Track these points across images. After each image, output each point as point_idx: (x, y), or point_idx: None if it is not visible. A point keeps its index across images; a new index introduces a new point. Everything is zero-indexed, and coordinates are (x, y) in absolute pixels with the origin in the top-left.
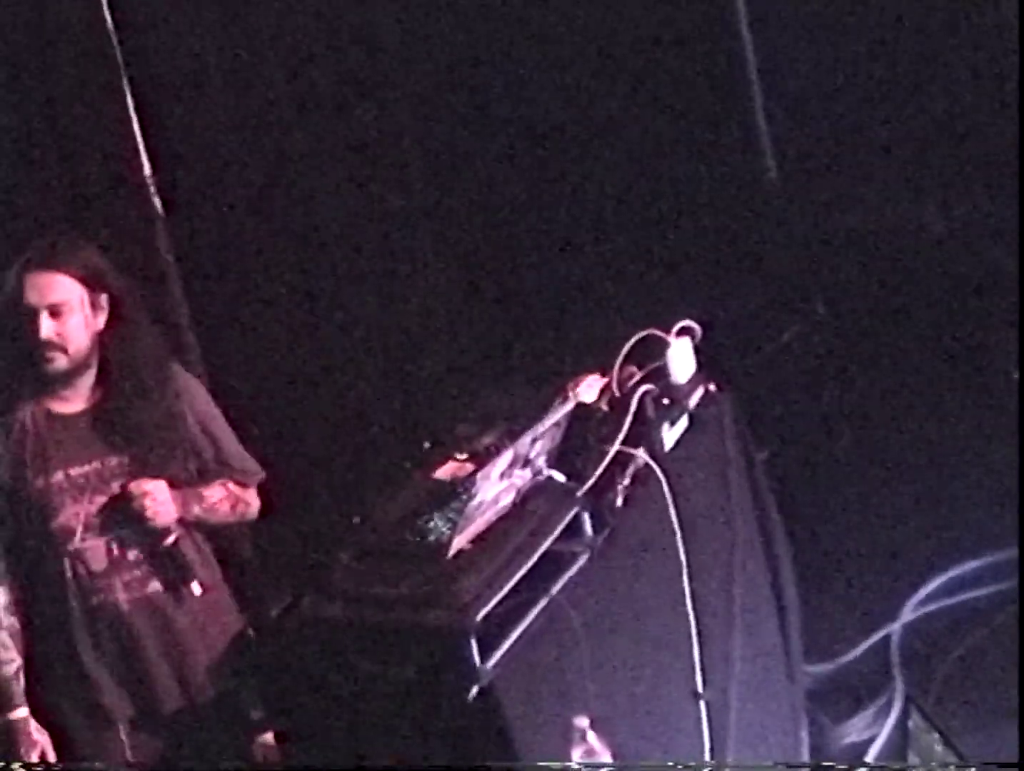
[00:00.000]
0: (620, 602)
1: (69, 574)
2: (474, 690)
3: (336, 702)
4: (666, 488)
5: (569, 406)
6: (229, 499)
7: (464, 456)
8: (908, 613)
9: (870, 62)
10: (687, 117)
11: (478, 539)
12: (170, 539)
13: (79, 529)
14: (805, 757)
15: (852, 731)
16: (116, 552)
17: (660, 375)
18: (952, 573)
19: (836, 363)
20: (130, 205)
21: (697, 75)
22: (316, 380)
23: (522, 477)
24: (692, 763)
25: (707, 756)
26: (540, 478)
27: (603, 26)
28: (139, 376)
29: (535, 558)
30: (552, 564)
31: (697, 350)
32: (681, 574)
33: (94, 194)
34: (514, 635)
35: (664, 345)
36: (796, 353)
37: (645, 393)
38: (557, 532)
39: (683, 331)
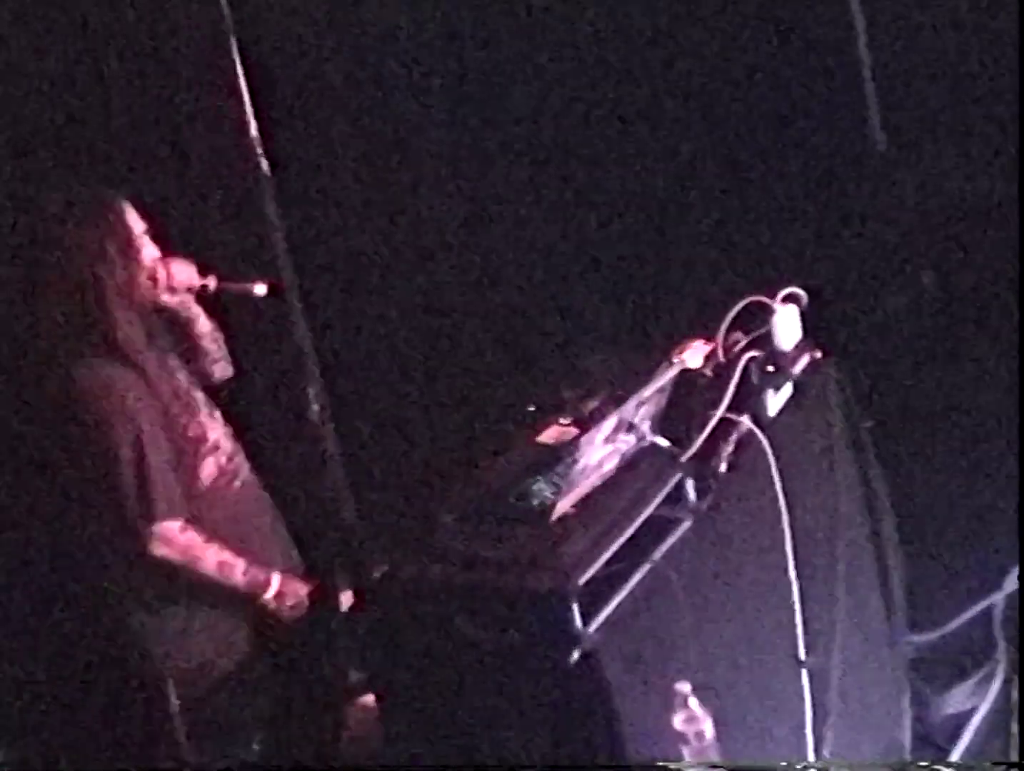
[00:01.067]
0: (723, 568)
1: (215, 470)
2: (576, 654)
3: (437, 665)
4: (770, 455)
5: (674, 371)
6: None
7: (568, 420)
8: (1012, 583)
9: (978, 33)
10: (799, 86)
11: (581, 503)
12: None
13: (208, 421)
14: (907, 726)
15: (954, 701)
16: (231, 430)
17: (765, 342)
18: None
19: (942, 334)
20: (237, 165)
21: (808, 46)
22: (422, 343)
23: (626, 442)
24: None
25: (808, 724)
26: (644, 443)
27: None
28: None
29: (638, 523)
30: (655, 529)
31: (803, 317)
32: (784, 541)
33: (202, 154)
34: (616, 600)
35: (770, 311)
36: (902, 322)
37: (750, 359)
38: (660, 497)
39: (789, 298)
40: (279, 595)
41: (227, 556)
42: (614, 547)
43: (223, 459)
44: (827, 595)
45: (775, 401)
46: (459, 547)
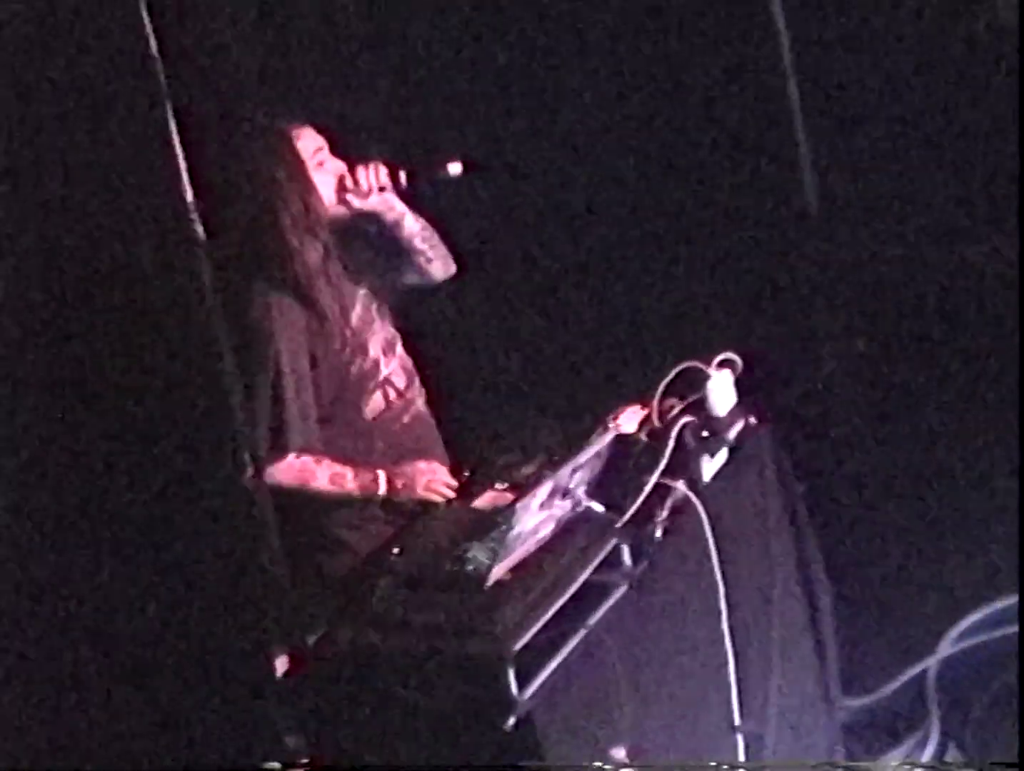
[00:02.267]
0: (658, 634)
1: (383, 404)
2: (511, 720)
3: (373, 730)
4: (705, 520)
5: (609, 437)
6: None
7: (504, 486)
8: (946, 647)
9: (914, 97)
10: (729, 150)
11: (517, 569)
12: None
13: (381, 357)
14: None
15: (888, 766)
16: (407, 365)
17: (700, 407)
18: (990, 609)
19: (876, 398)
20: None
21: (739, 109)
22: None
23: (562, 507)
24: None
25: None
26: (579, 509)
27: (645, 60)
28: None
29: (574, 589)
30: (591, 595)
31: (738, 382)
32: (719, 606)
33: (137, 219)
34: (552, 666)
35: (705, 377)
36: (837, 387)
37: (685, 425)
38: (596, 563)
39: (724, 363)
40: (390, 485)
41: (337, 467)
42: (550, 613)
43: (392, 394)
44: (762, 660)
45: (710, 466)
46: (395, 612)
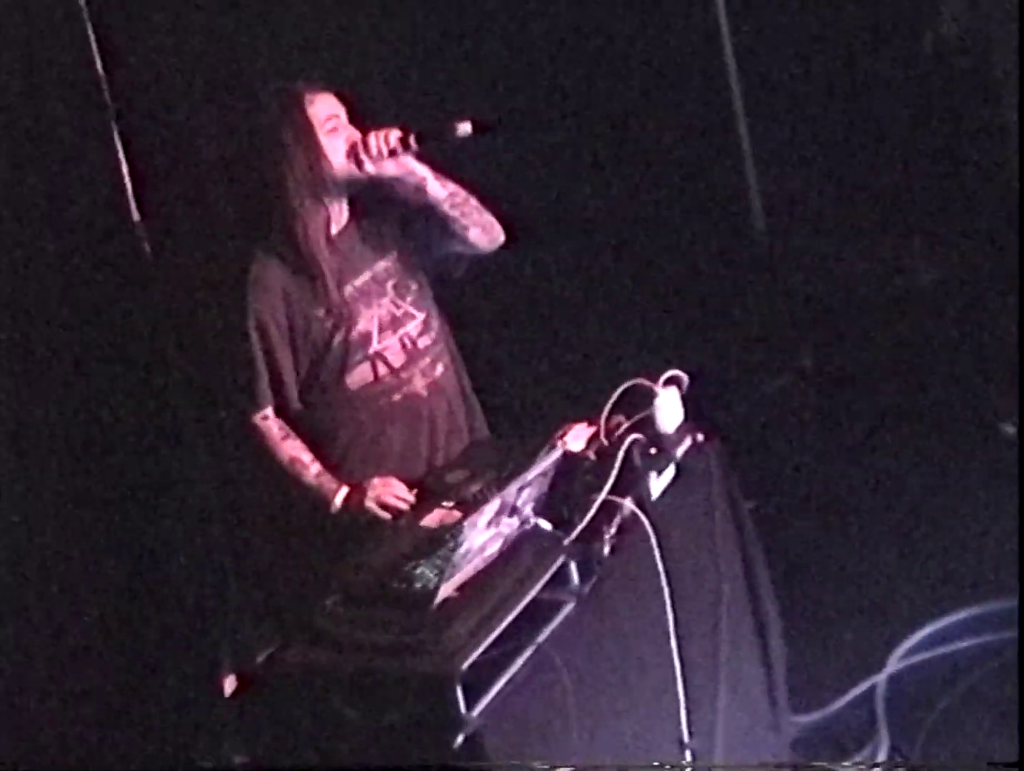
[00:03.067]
0: (606, 651)
1: (371, 377)
2: (460, 738)
3: (320, 749)
4: (653, 537)
5: (557, 455)
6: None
7: (451, 504)
8: (894, 664)
9: (859, 115)
10: (677, 169)
11: (465, 587)
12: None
13: (375, 332)
14: None
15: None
16: (410, 345)
17: (647, 424)
18: (938, 625)
19: (823, 414)
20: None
21: (687, 128)
22: None
23: (509, 525)
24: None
25: None
26: (527, 526)
27: (594, 79)
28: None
29: (522, 606)
30: (539, 612)
31: (684, 400)
32: (667, 623)
33: (83, 239)
34: (500, 683)
35: (652, 395)
36: (783, 404)
37: (632, 442)
38: (544, 580)
39: (671, 381)
40: (347, 501)
41: (303, 455)
42: (498, 631)
43: (383, 370)
44: (710, 677)
45: (658, 484)
46: (342, 631)
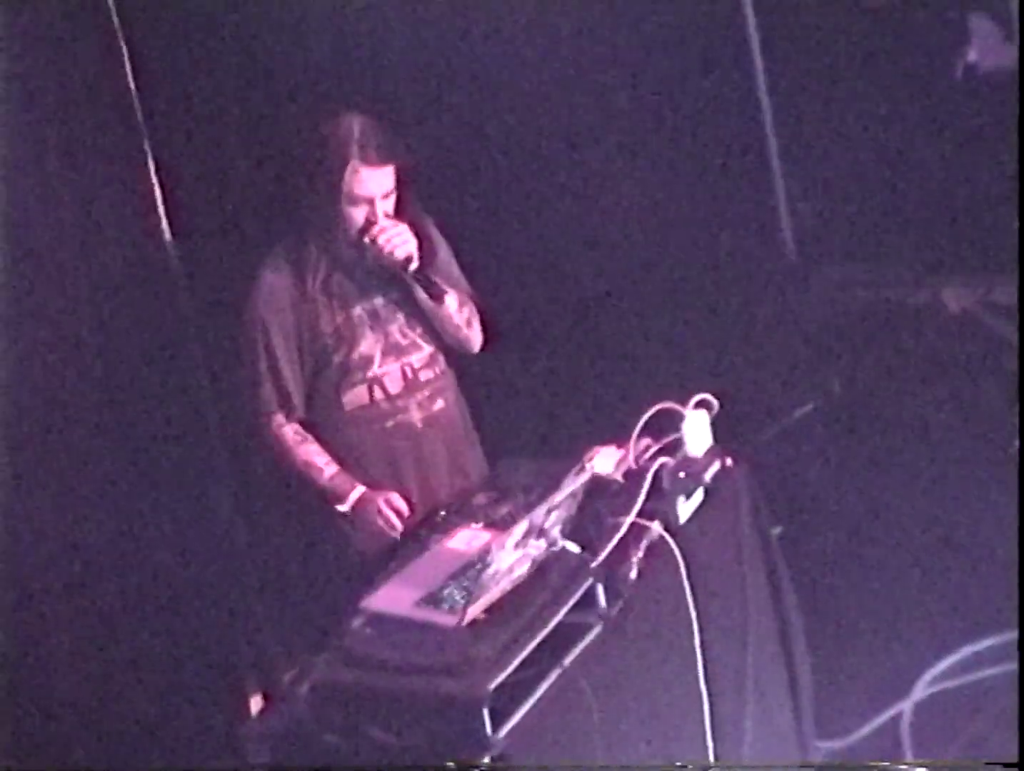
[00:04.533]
0: (633, 674)
1: (366, 400)
2: (486, 760)
3: (346, 769)
4: (680, 561)
5: (585, 477)
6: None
7: (480, 525)
8: (920, 690)
9: (889, 143)
10: (711, 195)
11: (492, 609)
12: (414, 265)
13: (378, 356)
14: None
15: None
16: (410, 375)
17: (676, 448)
18: (966, 652)
19: (851, 440)
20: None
21: (720, 156)
22: None
23: (537, 547)
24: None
25: None
26: (555, 549)
27: (630, 105)
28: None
29: (549, 629)
30: (566, 635)
31: (713, 424)
32: (694, 647)
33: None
34: (527, 706)
35: (680, 418)
36: (812, 429)
37: (661, 466)
38: (571, 603)
39: (700, 404)
40: (358, 503)
41: (317, 458)
42: (525, 653)
43: (379, 394)
44: (736, 701)
45: (686, 507)
46: (369, 651)
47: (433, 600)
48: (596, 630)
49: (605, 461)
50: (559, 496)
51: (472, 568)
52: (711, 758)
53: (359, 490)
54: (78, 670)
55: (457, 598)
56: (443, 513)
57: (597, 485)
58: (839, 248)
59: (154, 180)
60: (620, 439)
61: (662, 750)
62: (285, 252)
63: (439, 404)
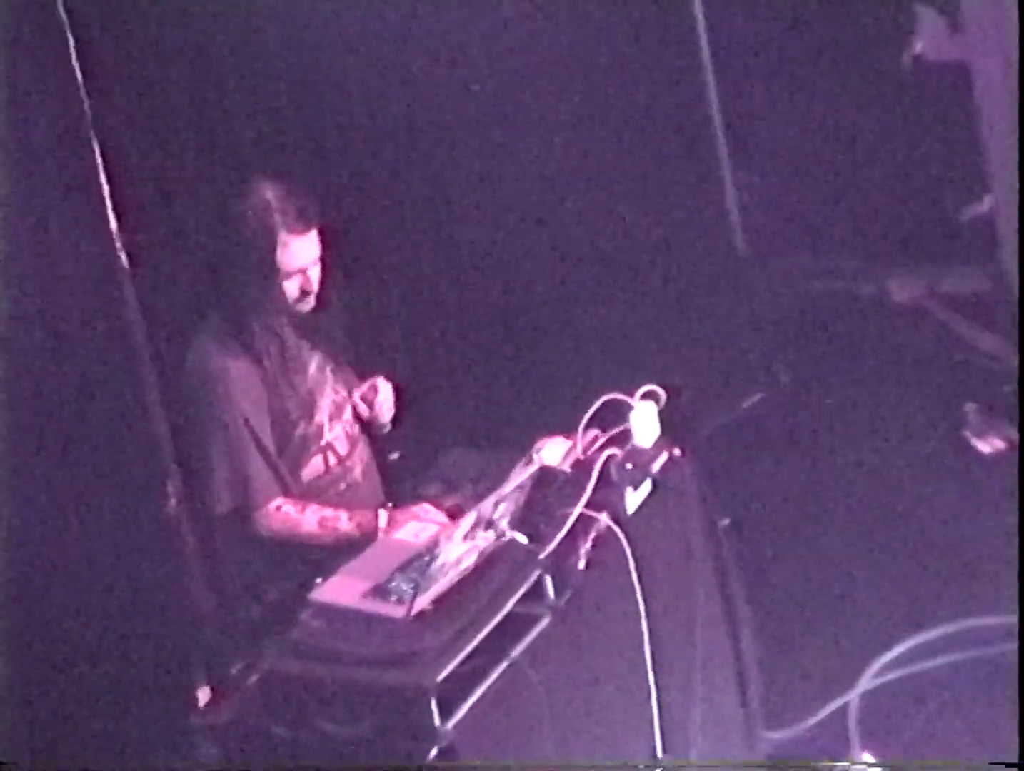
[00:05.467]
0: (581, 665)
1: (322, 469)
2: (434, 751)
3: (296, 761)
4: (628, 552)
5: (533, 469)
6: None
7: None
8: (866, 682)
9: (837, 138)
10: (660, 188)
11: (440, 600)
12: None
13: (327, 423)
14: None
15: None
16: (351, 431)
17: (624, 439)
18: (911, 643)
19: (799, 431)
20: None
21: (668, 149)
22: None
23: (485, 539)
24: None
25: None
26: (503, 540)
27: (581, 103)
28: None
29: (497, 620)
30: (514, 626)
31: (661, 415)
32: (642, 637)
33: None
34: (475, 696)
35: (628, 409)
36: (760, 420)
37: (609, 457)
38: (519, 594)
39: (647, 395)
40: (390, 523)
41: (327, 512)
42: (473, 644)
43: (333, 460)
44: (684, 691)
45: (634, 498)
46: (318, 643)
47: (381, 592)
48: (544, 621)
49: (553, 452)
50: (507, 487)
51: (420, 559)
52: (659, 749)
53: (383, 514)
54: (20, 663)
55: (405, 589)
56: (390, 505)
57: (545, 476)
58: (787, 240)
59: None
60: (568, 430)
61: (610, 740)
62: (230, 333)
63: (367, 452)
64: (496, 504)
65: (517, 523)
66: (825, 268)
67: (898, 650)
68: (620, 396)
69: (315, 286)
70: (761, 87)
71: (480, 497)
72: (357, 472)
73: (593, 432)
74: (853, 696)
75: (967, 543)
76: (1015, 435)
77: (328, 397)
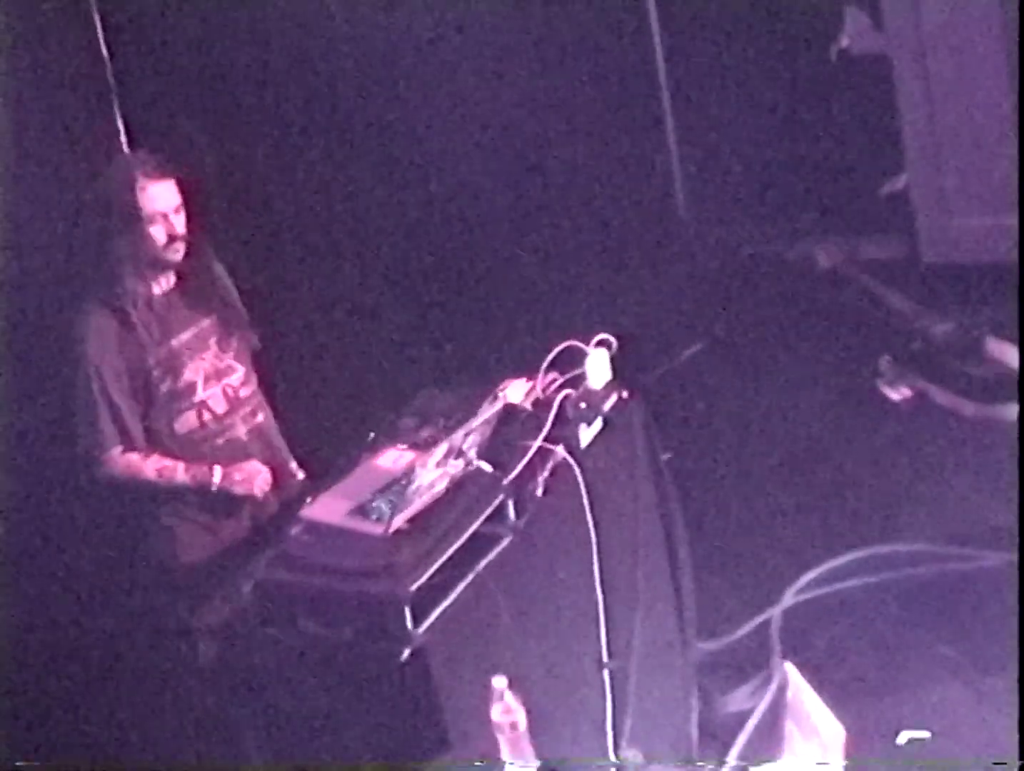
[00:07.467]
0: (537, 579)
1: (196, 424)
2: (407, 652)
3: (283, 657)
4: (581, 481)
5: (498, 406)
6: None
7: (405, 446)
8: (788, 599)
9: (773, 120)
10: (613, 161)
11: (415, 519)
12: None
13: (200, 382)
14: (694, 722)
15: (735, 702)
16: (232, 393)
17: (579, 381)
18: (827, 565)
19: (733, 378)
20: None
21: (620, 121)
22: (269, 371)
23: (455, 467)
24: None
25: (608, 718)
26: (471, 468)
27: (534, 67)
28: (206, 257)
29: (464, 538)
30: (479, 544)
31: (612, 361)
32: (592, 557)
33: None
34: (444, 605)
35: (584, 355)
36: (699, 368)
37: (565, 397)
38: (484, 516)
39: (601, 343)
40: (226, 478)
41: (166, 462)
42: (443, 558)
43: (207, 417)
44: (627, 606)
45: (587, 434)
46: (306, 555)
47: (362, 511)
48: (506, 540)
49: (516, 392)
50: (475, 422)
51: (398, 484)
52: (604, 655)
53: (218, 469)
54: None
55: (384, 510)
56: (372, 435)
57: (509, 413)
58: (725, 209)
59: None
60: (530, 373)
61: (562, 645)
62: (104, 290)
63: (260, 417)
64: (465, 436)
65: (483, 453)
66: (759, 235)
67: (816, 572)
68: (577, 343)
69: (180, 231)
70: (707, 72)
71: (451, 430)
72: (240, 431)
73: (552, 374)
74: (776, 611)
75: (878, 479)
76: (922, 385)
77: (207, 361)
